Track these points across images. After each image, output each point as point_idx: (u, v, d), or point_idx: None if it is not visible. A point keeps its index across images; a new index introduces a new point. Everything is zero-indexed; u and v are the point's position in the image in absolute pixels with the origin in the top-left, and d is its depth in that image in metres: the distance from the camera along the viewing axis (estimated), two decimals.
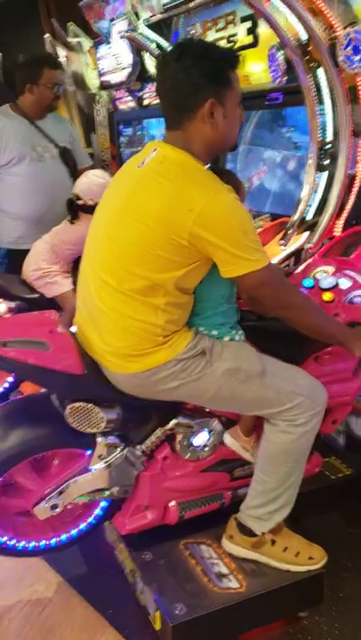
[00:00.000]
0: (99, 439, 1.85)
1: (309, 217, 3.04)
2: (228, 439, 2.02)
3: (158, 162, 1.70)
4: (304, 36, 2.83)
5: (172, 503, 2.02)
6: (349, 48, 2.56)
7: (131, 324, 1.70)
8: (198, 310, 1.81)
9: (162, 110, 1.77)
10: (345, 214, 2.91)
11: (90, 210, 3.18)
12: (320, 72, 2.88)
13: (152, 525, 2.03)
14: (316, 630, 1.94)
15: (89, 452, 1.88)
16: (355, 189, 2.89)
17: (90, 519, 2.04)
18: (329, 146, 2.97)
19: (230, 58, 1.73)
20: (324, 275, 2.17)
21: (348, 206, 2.91)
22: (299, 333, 1.83)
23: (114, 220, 1.73)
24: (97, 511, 2.04)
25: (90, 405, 1.78)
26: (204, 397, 1.84)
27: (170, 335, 1.73)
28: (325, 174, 3.00)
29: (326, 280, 2.09)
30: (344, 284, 2.10)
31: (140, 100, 4.64)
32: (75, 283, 3.16)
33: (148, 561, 2.01)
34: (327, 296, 2.05)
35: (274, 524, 1.94)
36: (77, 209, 3.14)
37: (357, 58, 2.55)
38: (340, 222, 2.92)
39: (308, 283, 2.13)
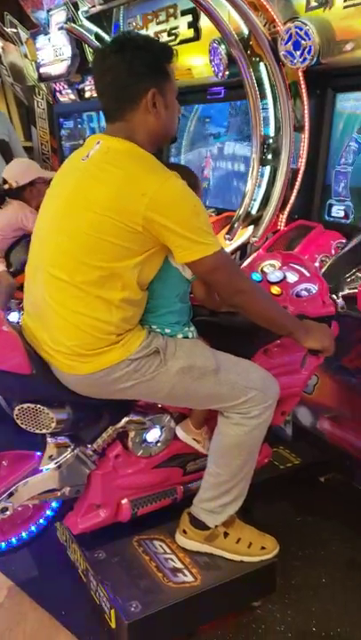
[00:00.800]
0: (49, 440, 1.80)
1: (254, 211, 3.07)
2: (180, 432, 2.02)
3: (103, 152, 1.69)
4: (245, 31, 2.85)
5: (125, 501, 2.00)
6: (290, 43, 2.60)
7: (82, 322, 1.66)
8: (151, 308, 1.79)
9: (102, 104, 1.76)
10: (288, 208, 2.96)
11: (15, 194, 3.23)
12: (262, 67, 2.91)
13: (105, 524, 2.00)
14: (270, 619, 1.97)
15: (39, 454, 1.83)
16: (297, 184, 2.93)
17: (40, 520, 2.00)
18: (271, 141, 3.01)
19: (167, 50, 1.75)
20: (271, 268, 2.20)
21: (291, 200, 2.96)
22: (248, 327, 1.84)
23: (61, 213, 1.70)
24: (48, 512, 1.99)
25: (39, 406, 1.73)
26: (158, 395, 1.83)
27: (123, 334, 1.71)
28: (268, 169, 3.05)
29: (274, 274, 2.11)
30: (291, 277, 2.14)
31: (80, 92, 4.56)
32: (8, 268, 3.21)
33: (102, 559, 1.98)
34: (275, 290, 2.08)
35: (226, 517, 1.95)
36: (3, 193, 3.28)
37: (298, 53, 2.58)
38: (284, 216, 2.97)
39: (256, 277, 2.15)
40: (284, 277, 2.12)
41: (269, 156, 3.02)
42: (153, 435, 1.98)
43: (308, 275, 2.16)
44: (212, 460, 1.93)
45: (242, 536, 1.97)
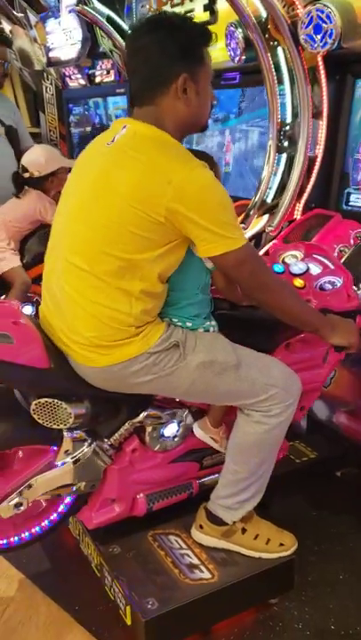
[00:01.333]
0: (65, 434, 1.76)
1: (270, 199, 3.01)
2: (197, 431, 1.98)
3: (130, 137, 1.62)
4: (264, 14, 2.77)
5: (140, 495, 1.96)
6: (310, 27, 2.52)
7: (102, 313, 1.61)
8: (172, 300, 1.74)
9: (131, 86, 1.70)
10: (305, 197, 2.90)
11: (35, 183, 3.12)
12: (279, 51, 2.84)
13: (120, 518, 1.97)
14: (287, 616, 1.94)
15: (54, 448, 1.79)
16: (314, 172, 2.87)
17: (54, 515, 1.96)
18: (288, 128, 2.94)
19: (205, 33, 1.67)
20: (293, 259, 2.13)
21: (308, 189, 2.89)
22: (270, 321, 1.79)
23: (83, 200, 1.64)
24: (61, 507, 1.96)
25: (57, 401, 1.68)
26: (177, 391, 1.78)
27: (142, 326, 1.66)
28: (284, 156, 2.98)
29: (297, 265, 2.04)
30: (314, 269, 2.07)
31: (91, 77, 4.48)
32: (22, 260, 3.11)
33: (116, 554, 1.95)
34: (298, 282, 2.01)
35: (244, 513, 1.91)
36: (23, 182, 3.11)
37: (319, 37, 2.50)
38: (300, 205, 2.91)
39: (278, 268, 2.08)
40: (308, 269, 2.05)
41: (286, 144, 2.96)
42: (170, 429, 1.94)
43: (332, 267, 2.09)
44: (230, 457, 1.88)
45: (260, 532, 1.93)
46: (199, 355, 1.70)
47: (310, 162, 2.86)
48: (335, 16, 2.43)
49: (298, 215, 2.92)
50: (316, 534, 2.27)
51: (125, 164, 1.58)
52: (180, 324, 1.75)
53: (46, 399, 1.67)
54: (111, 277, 1.59)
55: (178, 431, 1.95)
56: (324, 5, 2.44)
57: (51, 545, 2.20)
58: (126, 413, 1.83)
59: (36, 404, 1.66)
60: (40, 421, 1.68)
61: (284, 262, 2.10)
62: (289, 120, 2.95)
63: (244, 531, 1.93)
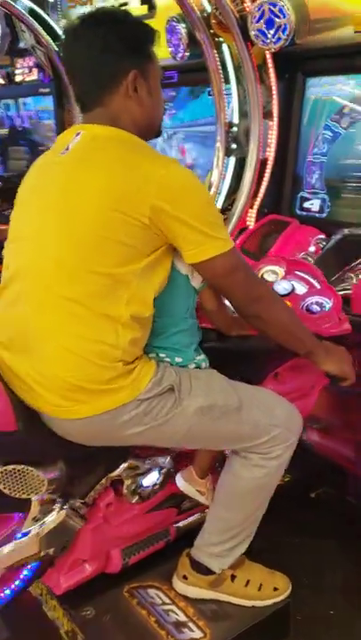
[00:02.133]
0: (34, 499, 1.48)
1: (220, 205, 2.85)
2: (181, 483, 1.75)
3: (89, 141, 1.43)
4: (208, 8, 2.60)
5: (115, 551, 1.73)
6: (262, 21, 2.37)
7: (83, 347, 1.36)
8: (157, 329, 1.50)
9: (75, 91, 1.54)
10: (258, 202, 2.75)
11: None
12: (225, 48, 2.68)
13: (91, 577, 1.72)
14: None
15: (20, 515, 1.51)
16: (266, 176, 2.73)
17: (16, 582, 1.69)
18: (235, 129, 2.79)
19: (149, 29, 1.52)
20: (274, 276, 1.95)
21: (261, 194, 2.75)
22: (258, 351, 1.65)
23: (49, 219, 1.39)
24: (25, 572, 1.68)
25: (26, 467, 1.40)
26: (171, 440, 1.57)
27: (131, 363, 1.42)
28: (233, 159, 2.83)
29: (281, 285, 1.85)
30: (299, 288, 1.89)
31: (10, 76, 4.16)
32: None
33: (91, 618, 1.70)
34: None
35: (234, 560, 1.72)
36: None
37: (272, 32, 2.36)
38: (254, 211, 2.76)
39: None
40: (293, 289, 1.87)
41: (234, 146, 2.80)
42: (150, 479, 1.71)
43: (318, 286, 1.91)
44: (221, 503, 1.68)
45: (251, 577, 1.74)
46: (197, 399, 1.48)
47: (262, 165, 2.72)
48: (289, 10, 2.29)
49: (251, 222, 2.77)
50: (301, 564, 2.10)
51: (93, 167, 1.37)
52: (168, 359, 1.52)
53: (14, 466, 1.38)
54: (94, 300, 1.36)
55: (158, 479, 1.72)
56: None
57: (6, 610, 1.91)
58: (104, 469, 1.59)
59: (1, 473, 1.38)
60: (6, 491, 1.40)
61: (263, 279, 1.91)
62: (236, 121, 2.80)
63: (233, 578, 1.73)
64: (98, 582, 1.76)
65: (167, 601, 1.75)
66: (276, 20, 2.32)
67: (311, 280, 1.90)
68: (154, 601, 1.75)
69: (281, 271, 1.92)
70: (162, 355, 1.51)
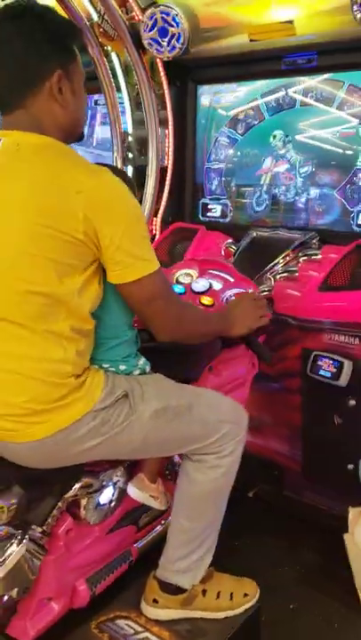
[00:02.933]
0: None
1: None
2: (133, 491, 1.69)
3: (13, 151, 1.33)
4: (95, 16, 2.55)
5: (81, 582, 1.62)
6: (155, 30, 2.36)
7: (32, 368, 1.29)
8: (100, 341, 1.46)
9: None
10: (161, 211, 2.74)
11: None
12: (114, 57, 2.64)
13: (60, 617, 1.60)
14: None
15: None
16: (166, 184, 2.73)
17: None
18: (130, 138, 2.76)
19: (74, 27, 1.48)
20: (189, 278, 1.99)
21: (163, 202, 2.74)
22: (192, 348, 1.65)
23: None
24: None
25: None
26: (127, 448, 1.50)
27: (82, 375, 1.37)
28: (130, 169, 2.79)
29: (199, 283, 1.91)
30: (216, 285, 1.95)
31: None
32: None
33: None
34: (208, 300, 1.89)
35: (204, 572, 1.68)
36: None
37: (165, 41, 2.36)
38: (158, 220, 2.74)
39: (178, 289, 1.91)
40: (211, 286, 1.92)
41: (130, 155, 2.77)
42: (106, 495, 1.63)
43: (232, 279, 1.99)
44: (181, 514, 1.63)
45: (221, 588, 1.71)
46: (151, 403, 1.46)
47: (161, 173, 2.71)
48: (182, 19, 2.30)
49: (156, 231, 2.75)
50: (249, 566, 2.11)
51: (17, 179, 1.28)
52: (112, 369, 1.48)
53: None
54: (35, 321, 1.29)
55: (114, 494, 1.65)
56: (169, 7, 2.30)
57: None
58: (59, 490, 1.48)
59: None
60: None
61: (178, 282, 1.94)
62: (130, 130, 2.77)
63: (204, 592, 1.69)
64: (60, 624, 1.64)
65: (139, 629, 1.67)
66: (170, 28, 2.32)
67: (224, 275, 1.97)
68: (126, 632, 1.66)
69: (195, 272, 1.99)
70: (105, 365, 1.48)
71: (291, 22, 2.07)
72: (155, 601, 1.68)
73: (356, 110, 2.25)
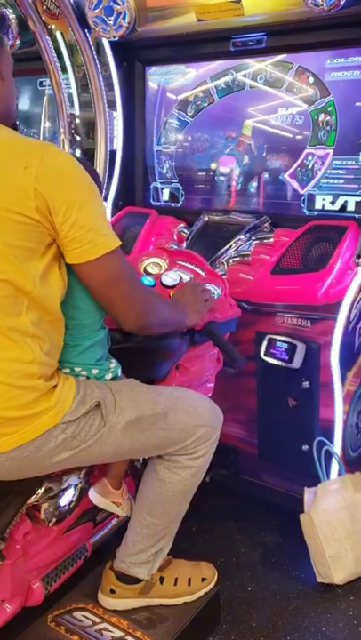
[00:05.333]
0: None
1: None
2: (95, 498, 1.64)
3: None
4: None
5: (35, 581, 1.58)
6: (100, 8, 2.29)
7: None
8: (71, 342, 1.38)
9: None
10: (112, 195, 2.69)
11: None
12: (59, 36, 2.56)
13: (12, 616, 1.56)
14: None
15: None
16: (116, 167, 2.67)
17: None
18: (77, 120, 2.69)
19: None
20: (157, 268, 1.90)
21: (113, 186, 2.69)
22: (160, 347, 1.61)
23: None
24: None
25: None
26: (99, 459, 1.47)
27: (51, 379, 1.29)
28: (78, 152, 2.72)
29: (169, 276, 1.82)
30: (185, 279, 1.87)
31: None
32: None
33: None
34: None
35: (161, 561, 1.67)
36: None
37: (112, 20, 2.29)
38: (108, 204, 2.69)
39: (148, 281, 1.82)
40: (181, 280, 1.84)
41: (78, 138, 2.70)
42: (67, 497, 1.58)
43: (203, 274, 1.91)
44: (144, 509, 1.61)
45: (178, 575, 1.71)
46: (124, 413, 1.40)
47: (111, 157, 2.65)
48: None
49: (108, 216, 2.69)
50: (207, 549, 2.13)
51: None
52: (84, 373, 1.42)
53: None
54: None
55: (74, 496, 1.60)
56: None
57: None
58: (21, 498, 1.43)
59: None
60: None
61: (147, 272, 1.87)
62: (77, 112, 2.69)
63: (162, 580, 1.69)
64: (16, 618, 1.61)
65: (97, 620, 1.65)
66: (116, 7, 2.26)
67: (195, 269, 1.90)
68: (83, 623, 1.64)
69: (164, 263, 1.90)
70: (77, 369, 1.41)
71: (238, 2, 2.03)
72: (112, 591, 1.66)
73: (305, 93, 2.24)
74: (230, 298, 1.89)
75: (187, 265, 1.90)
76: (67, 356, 1.38)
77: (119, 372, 1.50)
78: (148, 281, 1.80)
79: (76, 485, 1.60)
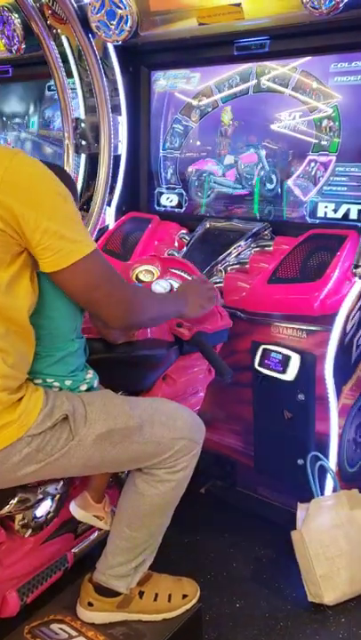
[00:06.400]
0: None
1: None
2: (76, 511, 1.61)
3: None
4: None
5: (10, 592, 1.56)
6: (103, 12, 2.28)
7: None
8: (43, 353, 1.36)
9: None
10: (115, 200, 2.67)
11: None
12: (64, 40, 2.55)
13: None
14: None
15: None
16: (120, 172, 2.65)
17: None
18: (83, 125, 2.68)
19: None
20: (149, 276, 1.89)
21: (117, 191, 2.67)
22: (146, 358, 1.59)
23: None
24: None
25: None
26: (69, 472, 1.44)
27: (16, 392, 1.27)
28: (83, 157, 2.71)
29: (160, 285, 1.80)
30: (176, 287, 1.84)
31: None
32: None
33: None
34: None
35: (141, 575, 1.64)
36: None
37: (114, 24, 2.27)
38: (112, 210, 2.67)
39: None
40: (172, 288, 1.82)
41: (83, 143, 2.69)
42: (43, 508, 1.55)
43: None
44: (123, 522, 1.57)
45: (159, 590, 1.67)
46: (94, 426, 1.36)
47: (115, 162, 2.63)
48: (130, 1, 2.22)
49: (110, 221, 2.68)
50: (199, 563, 2.08)
51: None
52: (57, 384, 1.39)
53: None
54: None
55: (51, 507, 1.57)
56: None
57: None
58: None
59: None
60: None
61: (139, 280, 1.84)
62: (82, 116, 2.68)
63: (141, 594, 1.65)
64: None
65: (74, 633, 1.61)
66: (118, 10, 2.24)
67: (187, 277, 1.87)
68: (59, 637, 1.60)
69: (156, 270, 1.87)
70: (49, 380, 1.38)
71: (238, 5, 1.99)
72: (90, 604, 1.63)
73: (309, 98, 2.19)
74: (222, 308, 1.85)
75: (179, 273, 1.88)
76: (38, 366, 1.35)
77: (95, 383, 1.47)
78: None
79: (53, 496, 1.56)
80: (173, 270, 1.88)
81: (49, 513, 1.57)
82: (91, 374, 1.47)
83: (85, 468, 1.45)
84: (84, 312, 1.44)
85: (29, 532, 1.54)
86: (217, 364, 1.67)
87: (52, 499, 1.57)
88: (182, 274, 1.87)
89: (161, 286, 1.78)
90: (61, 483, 1.57)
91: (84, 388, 1.43)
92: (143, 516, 1.55)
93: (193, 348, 1.73)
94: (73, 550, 1.75)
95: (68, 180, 1.36)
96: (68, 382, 1.40)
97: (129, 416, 1.43)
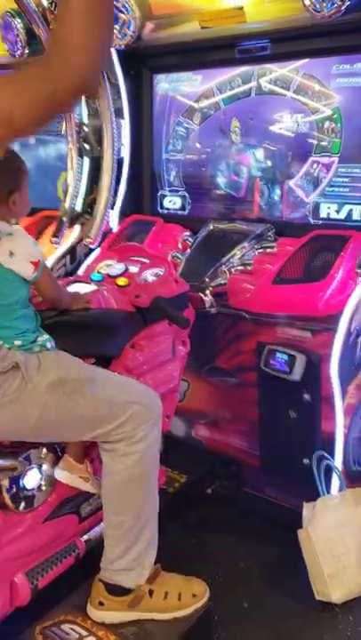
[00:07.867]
0: None
1: (79, 208, 2.74)
2: (60, 474, 1.65)
3: None
4: (45, 2, 2.46)
5: (19, 575, 1.57)
6: None
7: None
8: None
9: None
10: (119, 203, 2.69)
11: None
12: None
13: (2, 618, 1.56)
14: None
15: None
16: (124, 175, 2.67)
17: None
18: (86, 129, 2.70)
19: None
20: (109, 267, 2.04)
21: (120, 194, 2.68)
22: (110, 321, 1.71)
23: None
24: None
25: None
26: (25, 426, 1.47)
27: None
28: (87, 160, 2.73)
29: (114, 267, 1.98)
30: (132, 269, 2.00)
31: None
32: None
33: None
34: (122, 281, 1.94)
35: (148, 570, 1.65)
36: None
37: (117, 28, 2.29)
38: (115, 213, 2.69)
39: (96, 276, 1.97)
40: (127, 269, 1.98)
41: (87, 146, 2.70)
42: (32, 479, 1.57)
43: (147, 261, 2.03)
44: (108, 508, 1.61)
45: (168, 589, 1.68)
46: (48, 374, 1.45)
47: (118, 165, 2.64)
48: (132, 6, 2.24)
49: (113, 224, 2.69)
50: (206, 563, 2.09)
51: None
52: (7, 345, 1.46)
53: None
54: None
55: (42, 478, 1.60)
56: None
57: None
58: None
59: None
60: None
61: (99, 272, 2.01)
62: (86, 120, 2.70)
63: (151, 593, 1.66)
64: (2, 629, 1.60)
65: (84, 633, 1.62)
66: (121, 15, 2.26)
67: (142, 259, 2.03)
68: (70, 637, 1.62)
69: (114, 262, 2.05)
70: None
71: (241, 9, 2.01)
72: (100, 603, 1.64)
73: (311, 100, 2.20)
74: (175, 275, 2.00)
75: (134, 258, 2.05)
76: None
77: (49, 345, 1.54)
78: (96, 276, 1.94)
79: (39, 466, 1.60)
80: (131, 257, 2.05)
81: (40, 485, 1.60)
82: (44, 337, 1.55)
83: (40, 424, 1.47)
84: (28, 288, 1.55)
85: (22, 505, 1.56)
86: (177, 319, 1.83)
87: (40, 469, 1.60)
88: (137, 258, 2.04)
89: (115, 268, 1.97)
90: (44, 451, 1.61)
91: (36, 349, 1.51)
92: (120, 496, 1.58)
93: (156, 315, 1.83)
94: (83, 538, 1.76)
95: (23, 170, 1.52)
96: (17, 342, 1.48)
97: (82, 369, 1.53)
